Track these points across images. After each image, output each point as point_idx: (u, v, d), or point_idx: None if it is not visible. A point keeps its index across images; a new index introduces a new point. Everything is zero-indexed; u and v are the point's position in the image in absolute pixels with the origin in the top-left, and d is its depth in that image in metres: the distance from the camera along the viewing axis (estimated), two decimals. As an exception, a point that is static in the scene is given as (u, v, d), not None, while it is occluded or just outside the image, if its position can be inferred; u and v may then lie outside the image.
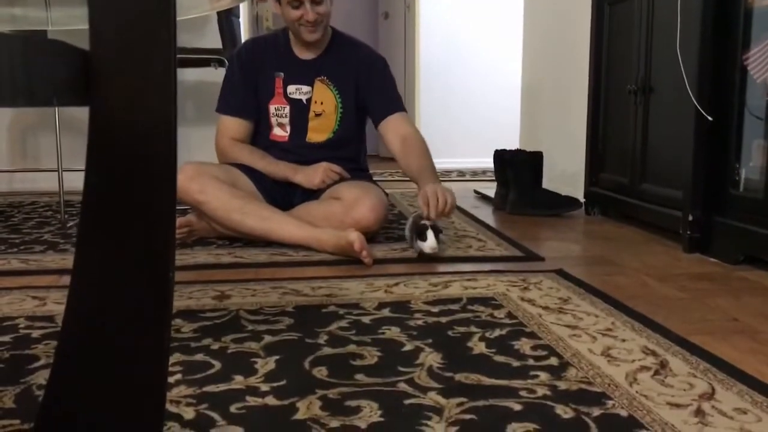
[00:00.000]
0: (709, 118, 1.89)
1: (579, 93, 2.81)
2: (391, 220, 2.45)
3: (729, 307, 1.44)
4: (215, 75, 3.19)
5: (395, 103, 2.25)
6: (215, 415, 0.91)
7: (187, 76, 3.47)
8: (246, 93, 2.23)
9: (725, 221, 1.87)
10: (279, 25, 2.27)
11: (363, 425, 0.88)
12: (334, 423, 0.89)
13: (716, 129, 1.89)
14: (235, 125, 2.24)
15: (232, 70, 2.29)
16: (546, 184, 2.85)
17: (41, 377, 1.04)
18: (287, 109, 2.22)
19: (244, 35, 3.68)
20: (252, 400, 0.96)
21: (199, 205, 2.03)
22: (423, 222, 1.84)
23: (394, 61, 5.35)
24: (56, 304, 1.43)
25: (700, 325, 1.32)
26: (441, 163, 4.84)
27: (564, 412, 0.92)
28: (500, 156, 2.87)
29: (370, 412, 0.92)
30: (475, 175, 4.39)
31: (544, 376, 1.05)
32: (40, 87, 0.49)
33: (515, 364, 1.10)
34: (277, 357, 1.12)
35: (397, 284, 1.59)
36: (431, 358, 1.12)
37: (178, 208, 2.15)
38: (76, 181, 0.57)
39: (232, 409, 0.93)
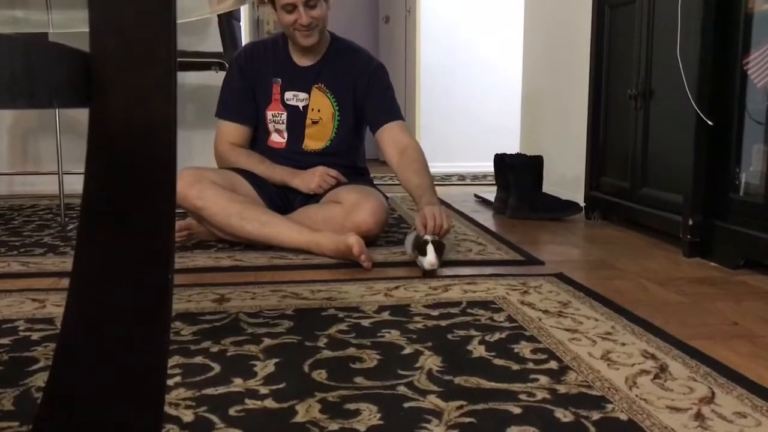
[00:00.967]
0: (710, 123, 1.89)
1: (579, 97, 2.82)
2: (391, 224, 2.45)
3: (729, 312, 1.44)
4: (216, 78, 3.19)
5: (393, 111, 2.23)
6: (214, 418, 0.91)
7: (188, 79, 3.48)
8: (244, 98, 2.23)
9: (725, 225, 1.87)
10: (280, 29, 2.27)
11: (362, 428, 0.88)
12: (334, 426, 0.89)
13: (717, 133, 1.90)
14: (233, 130, 2.24)
15: (230, 75, 2.29)
16: (546, 188, 2.85)
17: (40, 379, 1.04)
18: (284, 116, 2.22)
19: (245, 39, 3.68)
20: (251, 403, 0.96)
21: (198, 210, 2.02)
22: (425, 238, 1.75)
23: (394, 65, 5.37)
24: (56, 307, 1.43)
25: (700, 329, 1.32)
26: (441, 167, 4.87)
27: (564, 415, 0.92)
28: (501, 160, 2.87)
29: (370, 415, 0.92)
30: (476, 179, 4.39)
31: (543, 379, 1.05)
32: (40, 89, 0.49)
33: (515, 367, 1.10)
34: (277, 360, 1.12)
35: (397, 287, 1.59)
36: (431, 361, 1.12)
37: (177, 211, 2.16)
38: (76, 184, 0.57)
39: (231, 411, 0.93)
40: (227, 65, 3.00)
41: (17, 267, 1.84)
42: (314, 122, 2.22)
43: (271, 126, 2.24)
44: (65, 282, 0.60)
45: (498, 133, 4.58)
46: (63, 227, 2.46)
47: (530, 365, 1.11)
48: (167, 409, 0.93)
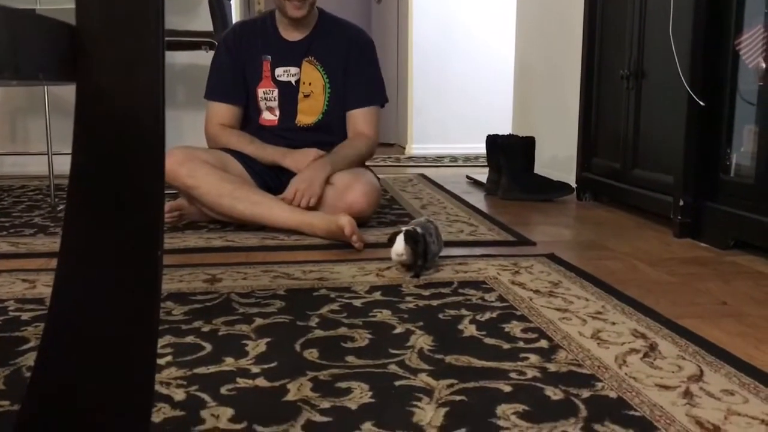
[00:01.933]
0: (701, 103, 1.89)
1: (572, 78, 2.81)
2: (383, 205, 2.45)
3: (718, 291, 1.45)
4: (206, 58, 3.16)
5: (370, 95, 2.24)
6: (206, 397, 0.91)
7: (177, 59, 3.44)
8: (234, 78, 2.21)
9: (716, 206, 1.87)
10: (270, 7, 2.25)
11: (353, 406, 0.89)
12: (325, 404, 0.89)
13: (708, 114, 1.90)
14: (223, 111, 2.22)
15: (219, 55, 2.27)
16: (538, 169, 2.85)
17: (31, 359, 1.03)
18: (276, 93, 2.21)
19: (236, 18, 3.64)
20: (242, 382, 0.96)
21: (189, 189, 2.01)
22: (401, 228, 1.57)
23: (386, 45, 5.33)
24: (46, 287, 1.42)
25: (690, 309, 1.33)
26: (434, 148, 4.86)
27: (554, 393, 0.93)
28: (493, 141, 2.86)
29: (361, 394, 0.92)
30: (468, 160, 4.39)
31: (534, 358, 1.05)
32: (25, 61, 0.48)
33: (505, 346, 1.10)
34: (268, 339, 1.12)
35: (388, 268, 1.59)
36: (422, 340, 1.12)
37: (168, 192, 2.15)
38: (66, 164, 0.57)
39: (223, 390, 0.93)
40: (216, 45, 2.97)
41: (7, 247, 1.82)
42: (306, 96, 2.22)
43: (262, 104, 2.23)
44: (55, 262, 0.60)
45: (491, 114, 4.57)
46: (53, 208, 2.44)
47: (521, 344, 1.11)
48: (158, 387, 0.93)
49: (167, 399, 0.90)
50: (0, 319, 1.23)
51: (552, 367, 1.02)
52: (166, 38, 0.58)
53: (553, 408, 0.89)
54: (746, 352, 1.09)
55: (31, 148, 3.45)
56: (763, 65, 1.70)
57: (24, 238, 1.94)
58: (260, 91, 2.22)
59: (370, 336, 1.14)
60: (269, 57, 2.20)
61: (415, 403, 0.90)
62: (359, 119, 2.22)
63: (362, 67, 2.23)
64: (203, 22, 3.18)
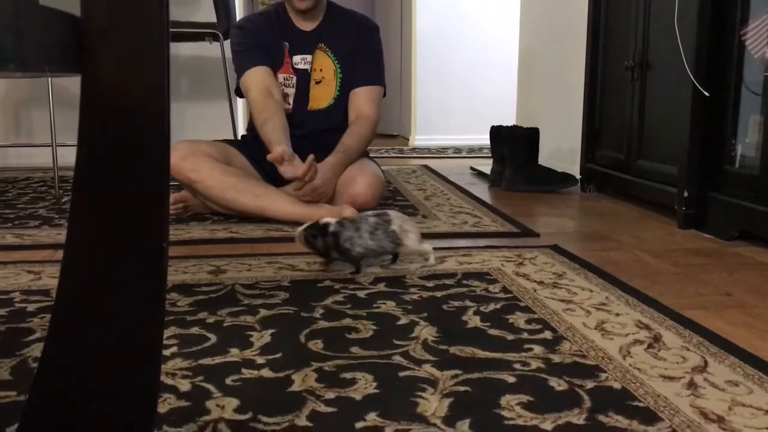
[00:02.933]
0: (706, 94, 1.88)
1: (576, 69, 2.80)
2: (387, 196, 2.45)
3: (723, 282, 1.45)
4: (210, 50, 3.16)
5: (372, 76, 2.27)
6: (211, 387, 0.92)
7: (181, 50, 3.44)
8: (263, 49, 2.21)
9: (720, 197, 1.87)
10: (273, 1, 2.25)
11: (358, 397, 0.89)
12: (330, 395, 0.89)
13: (713, 105, 1.89)
14: (261, 74, 2.18)
15: (243, 36, 2.23)
16: (542, 160, 2.85)
17: (37, 350, 1.04)
18: (294, 80, 2.24)
19: (239, 9, 3.64)
20: (247, 373, 0.96)
21: (193, 183, 2.02)
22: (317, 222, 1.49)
23: (389, 33, 5.32)
24: (51, 279, 1.43)
25: (694, 300, 1.33)
26: (438, 139, 4.86)
27: (558, 384, 0.93)
28: (497, 132, 2.86)
29: (365, 384, 0.92)
30: (472, 151, 4.38)
31: (538, 349, 1.05)
32: (30, 53, 0.48)
33: (509, 337, 1.10)
34: (273, 330, 1.13)
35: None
36: (426, 331, 1.13)
37: (172, 183, 2.15)
38: (70, 156, 0.57)
39: (228, 381, 0.93)
40: (221, 36, 2.97)
41: (12, 239, 1.83)
42: (317, 82, 2.25)
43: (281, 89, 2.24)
44: (60, 254, 0.60)
45: (495, 104, 4.56)
46: (57, 199, 2.45)
47: (525, 335, 1.11)
48: (164, 378, 0.93)
49: (173, 390, 0.91)
50: (6, 311, 1.24)
51: (556, 358, 1.02)
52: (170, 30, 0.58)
53: (557, 399, 0.89)
54: (750, 343, 1.09)
55: (36, 139, 3.46)
56: (769, 55, 1.70)
57: (29, 230, 1.95)
58: (281, 77, 2.23)
59: (374, 327, 1.15)
60: (287, 44, 2.23)
61: (419, 393, 0.90)
62: (362, 97, 2.24)
63: (369, 50, 2.28)
64: (206, 13, 3.18)
